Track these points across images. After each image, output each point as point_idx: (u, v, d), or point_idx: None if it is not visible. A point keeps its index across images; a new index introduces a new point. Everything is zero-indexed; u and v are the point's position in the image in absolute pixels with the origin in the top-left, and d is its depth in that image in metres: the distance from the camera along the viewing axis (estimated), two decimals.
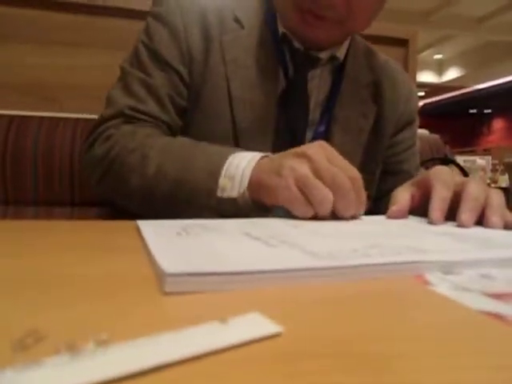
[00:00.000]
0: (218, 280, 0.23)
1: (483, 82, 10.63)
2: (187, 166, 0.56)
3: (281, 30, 0.73)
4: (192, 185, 0.54)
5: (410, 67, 1.79)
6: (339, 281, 0.26)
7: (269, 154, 0.55)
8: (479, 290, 0.24)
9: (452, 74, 10.50)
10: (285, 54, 0.73)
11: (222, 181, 0.53)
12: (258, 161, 0.53)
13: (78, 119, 1.04)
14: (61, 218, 0.97)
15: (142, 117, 0.66)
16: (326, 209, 0.46)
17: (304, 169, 0.47)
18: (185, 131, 0.70)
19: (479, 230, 0.46)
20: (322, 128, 0.75)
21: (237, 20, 0.72)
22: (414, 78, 1.83)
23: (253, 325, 0.18)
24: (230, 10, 0.72)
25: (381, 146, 0.81)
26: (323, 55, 0.74)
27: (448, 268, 0.29)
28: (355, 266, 0.27)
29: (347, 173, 0.47)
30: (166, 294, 0.22)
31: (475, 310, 0.21)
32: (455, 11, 7.03)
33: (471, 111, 12.86)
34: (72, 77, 1.36)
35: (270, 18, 0.74)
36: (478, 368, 0.16)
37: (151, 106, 0.67)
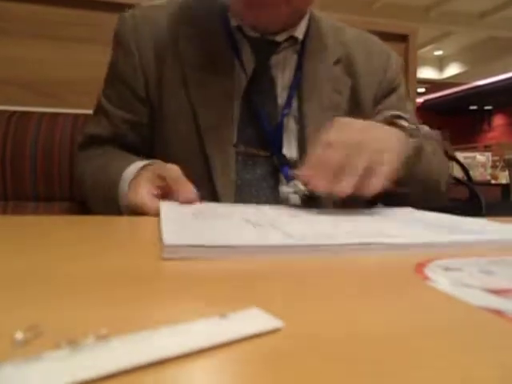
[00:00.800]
0: (205, 250, 0.30)
1: (484, 78, 10.61)
2: (103, 183, 0.66)
3: (234, 22, 0.74)
4: (106, 195, 0.64)
5: (410, 63, 1.79)
6: (303, 257, 0.31)
7: (150, 162, 0.63)
8: (479, 286, 0.24)
9: (452, 70, 10.48)
10: (241, 45, 0.74)
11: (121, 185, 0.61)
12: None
13: (77, 115, 1.04)
14: (60, 214, 0.97)
15: (98, 142, 0.75)
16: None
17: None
18: (155, 135, 0.75)
19: (455, 218, 0.50)
20: (287, 110, 0.74)
21: (190, 24, 0.74)
22: (415, 74, 1.83)
23: (253, 320, 0.18)
24: (184, 14, 0.75)
25: (364, 117, 0.81)
26: (280, 38, 0.74)
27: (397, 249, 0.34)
28: (317, 245, 0.32)
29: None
30: (166, 289, 0.22)
31: (475, 306, 0.21)
32: (455, 7, 7.01)
33: (472, 107, 12.84)
34: (72, 72, 1.36)
35: (222, 14, 0.75)
36: (479, 364, 0.15)
37: (106, 131, 0.74)
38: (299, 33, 0.76)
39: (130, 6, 0.77)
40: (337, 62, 0.78)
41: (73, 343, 0.15)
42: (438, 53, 10.20)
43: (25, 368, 0.13)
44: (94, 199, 0.70)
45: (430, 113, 11.61)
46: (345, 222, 0.45)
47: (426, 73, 10.65)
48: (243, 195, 0.69)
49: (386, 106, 0.82)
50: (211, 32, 0.74)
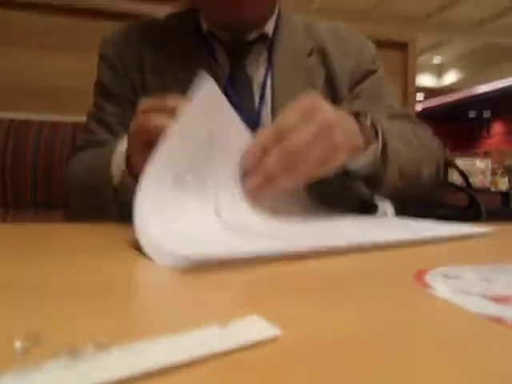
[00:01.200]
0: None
1: (482, 85, 10.64)
2: (95, 171, 0.65)
3: (206, 28, 0.77)
4: (96, 183, 0.62)
5: (409, 70, 1.79)
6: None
7: None
8: (479, 294, 0.24)
9: (451, 77, 10.52)
10: (216, 49, 0.77)
11: (113, 169, 0.60)
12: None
13: (78, 123, 1.04)
14: (60, 221, 0.97)
15: (93, 145, 0.75)
16: None
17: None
18: None
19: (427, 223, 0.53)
20: (262, 107, 0.75)
21: (164, 36, 0.77)
22: (414, 81, 1.83)
23: (252, 328, 0.18)
24: (158, 26, 0.79)
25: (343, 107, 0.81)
26: (252, 36, 0.76)
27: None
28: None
29: None
30: (165, 297, 0.22)
31: (475, 313, 0.21)
32: (454, 15, 7.05)
33: (470, 115, 12.87)
34: (73, 80, 1.37)
35: (194, 21, 0.79)
36: (479, 371, 0.15)
37: (102, 136, 0.76)
38: (268, 29, 0.78)
39: (135, 16, 0.79)
40: (309, 54, 0.79)
41: (72, 352, 0.15)
42: (437, 60, 10.24)
43: (24, 377, 0.13)
44: (88, 189, 0.67)
45: (429, 120, 11.60)
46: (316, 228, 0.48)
47: (425, 80, 10.70)
48: None
49: (362, 89, 0.82)
50: (186, 41, 0.77)
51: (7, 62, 1.37)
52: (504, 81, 10.09)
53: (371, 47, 0.86)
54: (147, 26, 0.81)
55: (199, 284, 0.26)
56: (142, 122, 0.51)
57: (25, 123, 1.01)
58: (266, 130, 0.50)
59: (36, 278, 0.26)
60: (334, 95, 0.79)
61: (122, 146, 0.59)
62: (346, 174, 0.62)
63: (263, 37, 0.78)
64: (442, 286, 0.26)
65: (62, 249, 0.38)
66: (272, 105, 0.76)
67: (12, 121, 1.01)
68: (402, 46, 1.79)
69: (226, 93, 0.72)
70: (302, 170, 0.48)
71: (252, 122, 0.73)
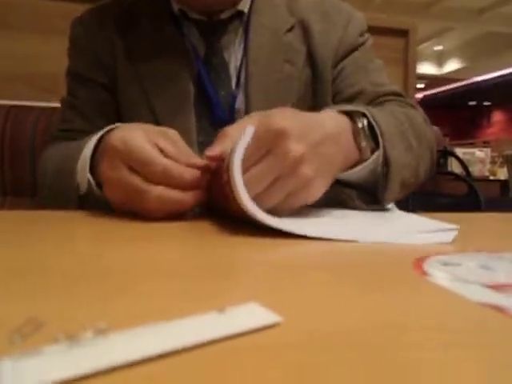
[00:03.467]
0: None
1: (483, 73, 10.60)
2: (60, 179, 0.60)
3: (176, 7, 0.73)
4: (62, 190, 0.59)
5: (409, 58, 1.78)
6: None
7: (113, 126, 0.55)
8: (478, 282, 0.24)
9: (452, 65, 10.46)
10: (188, 30, 0.73)
11: (78, 177, 0.55)
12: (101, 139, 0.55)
13: None
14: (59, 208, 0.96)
15: (68, 134, 0.72)
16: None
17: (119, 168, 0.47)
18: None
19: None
20: (237, 91, 0.71)
21: (135, 17, 0.74)
22: (414, 69, 1.82)
23: (251, 315, 0.18)
24: (129, 6, 0.75)
25: (326, 83, 0.75)
26: (225, 15, 0.72)
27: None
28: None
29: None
30: (165, 283, 0.22)
31: (474, 301, 0.21)
32: (455, 3, 6.99)
33: (471, 103, 12.83)
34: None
35: (163, 3, 0.74)
36: (479, 359, 0.16)
37: (77, 124, 0.73)
38: (243, 6, 0.73)
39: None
40: (289, 30, 0.74)
41: (71, 337, 0.15)
42: (438, 48, 10.18)
43: (23, 362, 0.13)
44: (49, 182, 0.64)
45: (429, 108, 11.59)
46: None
47: (426, 68, 10.64)
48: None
49: (344, 65, 0.76)
50: (157, 22, 0.73)
51: (4, 48, 1.36)
52: (505, 70, 10.05)
53: (358, 20, 0.79)
54: (118, 6, 0.76)
55: (199, 271, 0.26)
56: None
57: (22, 110, 1.00)
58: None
59: (36, 264, 0.26)
60: (314, 73, 0.74)
61: (88, 149, 0.55)
62: (338, 184, 0.55)
63: (239, 14, 0.73)
64: (440, 273, 0.26)
65: (61, 235, 0.38)
66: (245, 92, 0.71)
67: (10, 108, 1.00)
68: (402, 34, 1.78)
69: (199, 80, 0.70)
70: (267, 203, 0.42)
71: (227, 109, 0.70)
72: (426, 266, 0.28)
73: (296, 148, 0.41)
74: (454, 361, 0.15)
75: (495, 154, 5.86)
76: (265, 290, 0.23)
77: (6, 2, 1.36)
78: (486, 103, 12.85)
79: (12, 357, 0.13)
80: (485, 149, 5.46)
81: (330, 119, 0.49)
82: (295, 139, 0.41)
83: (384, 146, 0.52)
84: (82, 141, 0.59)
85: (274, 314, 0.18)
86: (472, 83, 11.20)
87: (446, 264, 0.28)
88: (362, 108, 0.54)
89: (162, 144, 0.47)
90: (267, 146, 0.41)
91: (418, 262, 0.29)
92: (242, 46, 0.73)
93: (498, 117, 12.84)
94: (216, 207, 0.51)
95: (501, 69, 10.11)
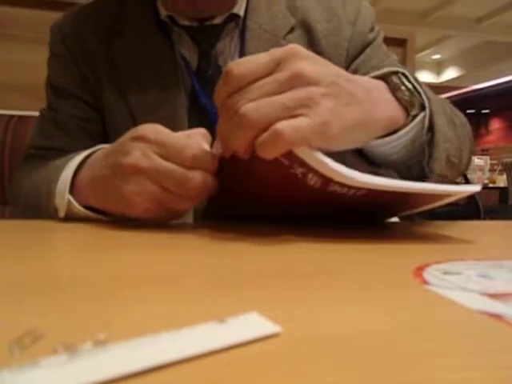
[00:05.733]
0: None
1: (481, 82, 10.64)
2: (36, 199, 0.55)
3: (164, 12, 0.66)
4: (38, 209, 0.54)
5: (408, 67, 1.79)
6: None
7: (100, 147, 0.52)
8: (478, 290, 0.24)
9: (450, 74, 10.51)
10: (179, 38, 0.67)
11: (57, 200, 0.51)
12: (85, 160, 0.51)
13: None
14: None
15: (47, 152, 0.65)
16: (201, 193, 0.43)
17: (151, 157, 0.43)
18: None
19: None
20: None
21: (119, 26, 0.68)
22: None
23: (251, 325, 0.18)
24: (111, 19, 0.69)
25: None
26: (219, 19, 0.66)
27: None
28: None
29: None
30: (164, 293, 0.22)
31: (474, 309, 0.21)
32: (453, 11, 7.04)
33: (469, 111, 12.87)
34: None
35: (150, 9, 0.68)
36: (478, 368, 0.15)
37: (58, 141, 0.66)
38: (239, 9, 0.67)
39: None
40: (289, 32, 0.67)
41: (70, 349, 0.15)
42: (436, 57, 10.23)
43: (22, 374, 0.13)
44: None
45: None
46: None
47: (424, 77, 10.68)
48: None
49: (360, 65, 0.69)
50: (143, 32, 0.67)
51: (5, 59, 1.36)
52: (502, 78, 10.09)
53: (367, 13, 0.72)
54: (100, 10, 0.70)
55: (198, 280, 0.26)
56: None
57: (22, 120, 1.00)
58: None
59: (35, 273, 0.26)
60: None
61: (68, 171, 0.51)
62: (365, 161, 0.49)
63: (234, 17, 0.67)
64: (440, 282, 0.26)
65: (60, 244, 0.38)
66: None
67: (10, 118, 1.01)
68: (400, 43, 1.79)
69: (193, 92, 0.64)
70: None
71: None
72: (426, 275, 0.28)
73: (310, 69, 0.37)
74: (455, 369, 0.15)
75: (494, 162, 5.87)
76: (264, 299, 0.23)
77: (6, 13, 1.37)
78: (484, 111, 12.89)
79: (11, 368, 0.13)
80: (484, 156, 5.47)
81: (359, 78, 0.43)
82: (311, 67, 0.37)
83: (430, 108, 0.45)
84: (61, 160, 0.54)
85: (273, 324, 0.18)
86: (470, 91, 11.24)
87: (445, 273, 0.28)
88: (393, 68, 0.47)
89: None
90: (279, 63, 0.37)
91: (418, 271, 0.29)
92: (237, 51, 0.67)
93: (496, 124, 12.86)
94: (217, 205, 0.49)
95: (499, 77, 10.15)
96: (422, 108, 0.45)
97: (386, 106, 0.43)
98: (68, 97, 0.68)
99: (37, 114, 0.73)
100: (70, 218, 0.51)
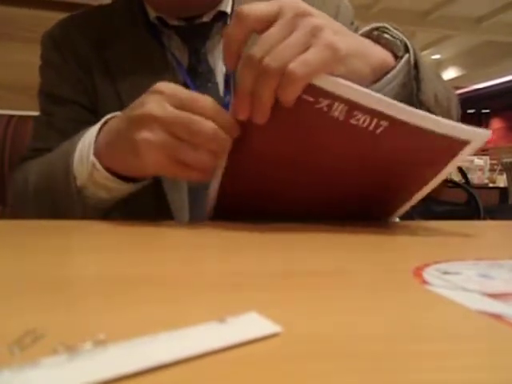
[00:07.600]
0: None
1: (481, 82, 10.64)
2: (50, 169, 0.56)
3: (153, 13, 0.67)
4: (54, 185, 0.54)
5: None
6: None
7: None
8: (478, 290, 0.24)
9: (450, 74, 10.50)
10: (169, 38, 0.68)
11: (76, 168, 0.51)
12: (105, 123, 0.51)
13: None
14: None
15: (42, 153, 0.64)
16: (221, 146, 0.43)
17: (165, 106, 0.43)
18: None
19: None
20: (228, 99, 0.67)
21: (110, 35, 0.68)
22: None
23: (251, 325, 0.18)
24: (101, 28, 0.69)
25: None
26: (207, 17, 0.67)
27: None
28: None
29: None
30: (164, 293, 0.22)
31: (474, 309, 0.21)
32: (453, 11, 7.03)
33: (469, 111, 12.87)
34: None
35: (139, 9, 0.69)
36: (478, 368, 0.15)
37: (52, 141, 0.64)
38: (225, 6, 0.68)
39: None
40: None
41: (70, 349, 0.15)
42: (436, 57, 10.23)
43: (22, 374, 0.13)
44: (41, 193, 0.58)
45: None
46: None
47: None
48: (197, 200, 0.63)
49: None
50: (134, 35, 0.68)
51: (5, 59, 1.36)
52: (503, 78, 10.09)
53: (346, 10, 0.75)
54: (91, 17, 0.71)
55: (198, 279, 0.26)
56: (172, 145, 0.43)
57: (22, 120, 1.00)
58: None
59: (35, 273, 0.26)
60: None
61: (86, 138, 0.51)
62: None
63: (222, 15, 0.68)
64: (440, 282, 0.26)
65: (60, 244, 0.38)
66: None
67: (10, 118, 1.01)
68: None
69: (185, 88, 0.65)
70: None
71: None
72: (426, 275, 0.28)
73: (308, 7, 0.40)
74: (455, 369, 0.15)
75: (494, 162, 5.88)
76: (264, 299, 0.23)
77: (6, 13, 1.37)
78: (484, 111, 12.89)
79: (11, 368, 0.13)
80: (484, 156, 5.47)
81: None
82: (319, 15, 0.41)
83: (414, 50, 0.50)
84: (71, 139, 0.54)
85: (274, 324, 0.18)
86: (471, 91, 11.24)
87: (445, 273, 0.28)
88: (373, 25, 0.52)
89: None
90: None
91: (418, 271, 0.29)
92: None
93: (496, 124, 12.86)
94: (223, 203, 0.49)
95: (499, 77, 10.15)
96: (406, 50, 0.50)
97: (377, 48, 0.49)
98: (64, 103, 0.68)
99: (37, 114, 0.73)
100: (85, 195, 0.51)
